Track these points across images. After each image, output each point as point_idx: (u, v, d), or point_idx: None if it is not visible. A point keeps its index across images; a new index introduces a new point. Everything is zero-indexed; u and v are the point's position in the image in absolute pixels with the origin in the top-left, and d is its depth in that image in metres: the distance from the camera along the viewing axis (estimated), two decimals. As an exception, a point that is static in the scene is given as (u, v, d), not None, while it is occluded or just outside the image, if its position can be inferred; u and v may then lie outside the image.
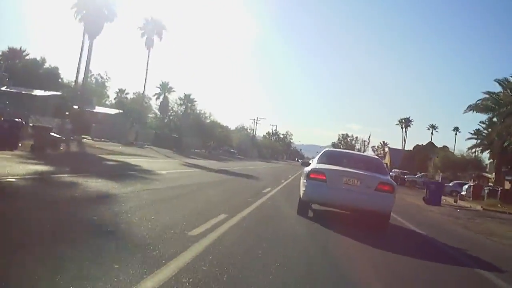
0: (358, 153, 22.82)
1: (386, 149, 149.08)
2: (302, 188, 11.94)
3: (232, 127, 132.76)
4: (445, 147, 78.43)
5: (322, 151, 14.13)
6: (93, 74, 78.54)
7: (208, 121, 76.72)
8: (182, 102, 69.72)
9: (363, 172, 11.66)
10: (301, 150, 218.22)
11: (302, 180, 12.23)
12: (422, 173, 66.37)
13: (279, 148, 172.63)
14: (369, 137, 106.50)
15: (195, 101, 70.67)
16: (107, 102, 77.26)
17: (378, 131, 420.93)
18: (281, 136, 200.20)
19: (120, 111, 59.83)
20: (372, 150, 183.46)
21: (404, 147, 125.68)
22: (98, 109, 59.14)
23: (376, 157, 18.78)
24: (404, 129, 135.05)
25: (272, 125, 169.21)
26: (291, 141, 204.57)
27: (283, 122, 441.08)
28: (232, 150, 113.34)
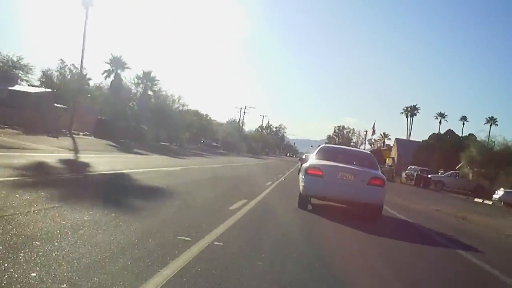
0: (352, 148, 22.95)
1: (390, 142, 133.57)
2: (301, 184, 12.09)
3: (223, 121, 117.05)
4: (471, 135, 62.08)
5: (319, 147, 14.53)
6: (66, 65, 60.73)
7: (178, 106, 59.98)
8: (139, 82, 53.10)
9: (356, 168, 12.10)
10: (294, 143, 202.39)
11: (301, 176, 12.27)
12: (452, 171, 50.03)
13: (270, 142, 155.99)
14: (374, 125, 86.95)
15: (157, 81, 53.97)
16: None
17: (369, 126, 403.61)
18: (274, 129, 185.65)
19: (47, 90, 43.22)
20: (369, 143, 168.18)
21: (409, 138, 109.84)
22: (17, 87, 42.49)
23: (369, 152, 16.75)
24: (409, 118, 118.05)
25: (263, 116, 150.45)
26: (285, 135, 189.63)
27: (277, 116, 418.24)
28: (214, 143, 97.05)
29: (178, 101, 59.16)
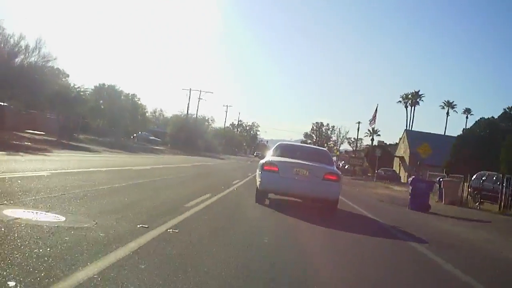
0: (308, 146, 21.97)
1: (381, 138, 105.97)
2: (258, 179, 12.27)
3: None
4: None
5: (276, 144, 14.29)
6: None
7: (33, 58, 30.51)
8: None
9: (311, 163, 11.98)
10: (267, 142, 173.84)
11: (258, 172, 12.43)
12: None
13: (238, 139, 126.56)
14: (376, 111, 60.35)
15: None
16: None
17: (350, 125, 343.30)
18: (247, 127, 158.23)
19: None
20: (348, 143, 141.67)
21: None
22: None
23: (324, 149, 17.93)
24: (410, 107, 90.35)
25: (226, 106, 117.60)
26: (258, 133, 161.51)
27: (251, 114, 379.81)
28: (152, 137, 67.84)
29: (37, 51, 29.54)
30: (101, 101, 48.05)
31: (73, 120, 41.16)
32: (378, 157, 48.17)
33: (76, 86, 38.07)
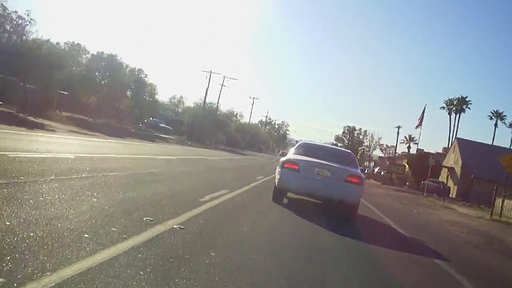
0: (332, 146, 19.03)
1: (419, 147, 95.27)
2: (277, 177, 11.46)
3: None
4: None
5: (299, 143, 13.61)
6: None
7: None
8: None
9: (334, 164, 11.07)
10: (296, 142, 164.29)
11: (278, 169, 11.58)
12: None
13: (264, 136, 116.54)
14: (423, 112, 51.27)
15: None
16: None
17: (384, 131, 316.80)
18: (276, 125, 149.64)
19: None
20: (381, 149, 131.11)
21: (450, 142, 71.92)
22: None
23: (349, 151, 15.00)
24: (454, 115, 79.45)
25: (253, 98, 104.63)
26: (287, 133, 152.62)
27: (281, 113, 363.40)
28: (162, 124, 58.97)
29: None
30: (97, 73, 39.23)
31: (50, 91, 32.40)
32: (431, 166, 37.98)
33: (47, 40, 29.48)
